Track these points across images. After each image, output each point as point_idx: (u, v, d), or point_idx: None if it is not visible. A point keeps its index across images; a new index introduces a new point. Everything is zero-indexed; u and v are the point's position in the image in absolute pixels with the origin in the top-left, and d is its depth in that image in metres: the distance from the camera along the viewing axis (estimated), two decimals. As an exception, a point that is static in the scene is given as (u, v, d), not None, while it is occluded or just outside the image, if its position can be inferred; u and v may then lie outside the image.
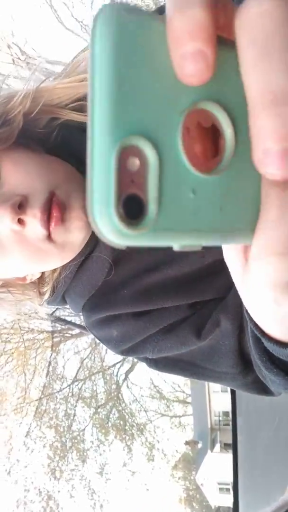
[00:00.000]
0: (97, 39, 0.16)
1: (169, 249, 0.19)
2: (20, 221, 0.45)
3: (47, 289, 0.55)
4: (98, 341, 0.59)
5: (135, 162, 0.16)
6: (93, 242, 0.52)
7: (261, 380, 0.51)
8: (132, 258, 0.53)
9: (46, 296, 0.56)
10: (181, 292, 0.53)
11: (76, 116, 0.53)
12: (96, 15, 0.16)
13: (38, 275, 0.56)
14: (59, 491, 10.95)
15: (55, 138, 0.53)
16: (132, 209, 0.16)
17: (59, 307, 0.63)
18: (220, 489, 13.11)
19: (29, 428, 9.97)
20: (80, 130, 0.54)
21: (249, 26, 0.15)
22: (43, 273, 0.56)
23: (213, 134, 0.18)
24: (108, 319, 0.55)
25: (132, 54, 0.16)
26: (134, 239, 0.16)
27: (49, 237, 0.46)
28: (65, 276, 0.53)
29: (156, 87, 0.16)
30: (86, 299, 0.55)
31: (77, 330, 8.87)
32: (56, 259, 0.50)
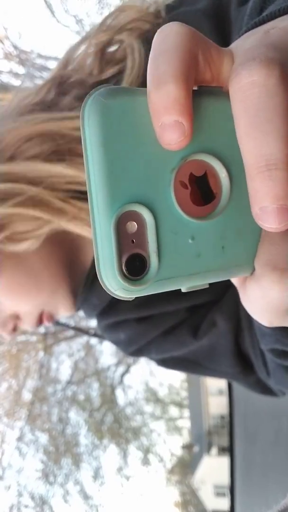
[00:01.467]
0: (86, 127, 0.18)
1: None
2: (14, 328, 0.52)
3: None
4: (112, 343, 0.64)
5: (133, 225, 0.18)
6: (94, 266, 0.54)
7: (263, 380, 0.52)
8: None
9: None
10: (181, 297, 0.54)
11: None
12: (83, 105, 0.18)
13: None
14: (53, 496, 10.83)
15: None
16: (135, 266, 0.18)
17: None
18: (217, 493, 13.04)
19: (21, 432, 9.86)
20: None
21: (242, 95, 0.17)
22: None
23: (207, 179, 0.20)
24: (115, 324, 0.58)
25: (120, 133, 0.18)
26: (140, 292, 0.19)
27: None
28: (80, 292, 0.56)
29: (145, 155, 0.18)
30: (99, 311, 0.58)
31: (70, 332, 8.80)
32: None
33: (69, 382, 9.85)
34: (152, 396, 12.67)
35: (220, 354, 0.54)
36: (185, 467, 13.71)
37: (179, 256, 0.19)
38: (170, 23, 0.18)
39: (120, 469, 12.10)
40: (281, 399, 0.54)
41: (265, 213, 0.17)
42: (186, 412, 13.76)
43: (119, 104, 0.18)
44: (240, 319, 0.52)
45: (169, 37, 0.18)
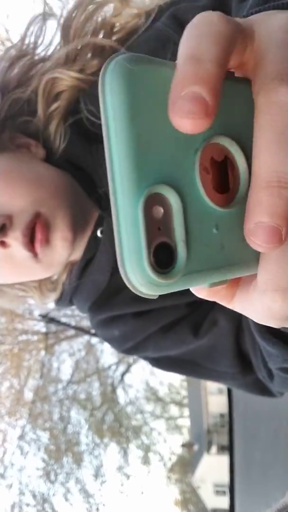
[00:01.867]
0: (108, 95, 0.16)
1: None
2: (2, 243, 0.46)
3: (54, 288, 0.56)
4: (103, 341, 0.61)
5: (159, 210, 0.16)
6: (94, 246, 0.51)
7: (262, 381, 0.52)
8: None
9: (51, 298, 0.57)
10: (182, 291, 0.52)
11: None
12: (103, 71, 0.16)
13: None
14: (54, 494, 10.87)
15: (54, 141, 0.51)
16: (162, 258, 0.16)
17: (66, 308, 0.63)
18: (216, 491, 13.08)
19: (23, 431, 9.89)
20: (87, 137, 0.51)
21: (271, 110, 0.17)
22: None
23: (226, 167, 0.18)
24: (110, 320, 0.56)
25: (144, 105, 0.16)
26: (167, 287, 0.16)
27: (34, 257, 0.46)
28: (71, 280, 0.54)
29: (169, 132, 0.16)
30: (92, 301, 0.56)
31: (71, 332, 8.82)
32: (42, 275, 0.51)
33: (70, 381, 9.88)
34: (153, 395, 12.71)
35: (220, 354, 0.53)
36: (185, 465, 13.76)
37: (205, 248, 0.17)
38: (214, 12, 0.17)
39: (120, 468, 12.14)
40: (280, 398, 0.55)
41: (259, 229, 0.17)
42: (186, 411, 13.80)
43: (145, 71, 0.16)
44: (241, 319, 0.52)
45: (215, 23, 0.17)
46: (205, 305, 0.54)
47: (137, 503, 13.32)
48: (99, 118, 0.51)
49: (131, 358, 10.99)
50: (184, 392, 13.56)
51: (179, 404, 13.70)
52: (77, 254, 0.52)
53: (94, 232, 0.51)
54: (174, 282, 0.16)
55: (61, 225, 0.47)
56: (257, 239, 0.17)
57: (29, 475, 10.55)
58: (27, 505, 10.55)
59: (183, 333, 0.53)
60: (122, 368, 10.90)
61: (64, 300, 0.57)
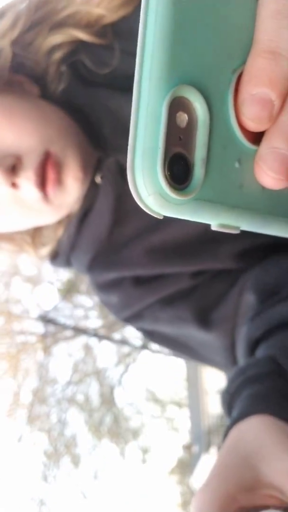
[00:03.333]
0: None
1: None
2: (13, 184, 0.45)
3: (46, 245, 0.55)
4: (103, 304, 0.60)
5: (184, 118, 0.15)
6: (93, 194, 0.50)
7: None
8: (134, 218, 0.52)
9: (47, 250, 0.55)
10: (182, 257, 0.51)
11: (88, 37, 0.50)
12: None
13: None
14: (51, 497, 10.83)
15: (52, 82, 0.50)
16: (177, 171, 0.15)
17: (64, 268, 0.61)
18: (216, 492, 13.08)
19: (21, 433, 9.86)
20: (84, 81, 0.50)
21: None
22: (40, 227, 0.54)
23: None
24: (109, 284, 0.55)
25: (194, 1, 0.15)
26: (176, 207, 0.15)
27: (45, 198, 0.45)
28: (69, 233, 0.53)
29: (212, 40, 0.16)
30: (91, 256, 0.54)
31: (70, 333, 8.79)
32: (51, 218, 0.51)
33: (68, 383, 9.84)
34: (151, 396, 12.67)
35: (214, 347, 0.52)
36: (185, 467, 13.71)
37: (223, 179, 0.16)
38: None
39: (119, 469, 12.09)
40: None
41: (252, 99, 0.16)
42: (186, 412, 13.77)
43: None
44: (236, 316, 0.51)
45: None
46: (213, 284, 0.53)
47: (136, 505, 13.26)
48: (96, 65, 0.49)
49: (130, 359, 10.96)
50: (183, 393, 13.52)
51: (178, 404, 13.66)
52: (74, 205, 0.51)
53: (93, 178, 0.50)
54: (185, 202, 0.15)
55: (72, 165, 0.47)
56: (246, 110, 0.16)
57: (27, 476, 10.51)
58: (25, 506, 10.50)
59: (183, 311, 0.52)
60: (121, 368, 10.86)
61: (61, 258, 0.55)
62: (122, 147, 0.47)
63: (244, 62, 0.16)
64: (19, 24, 0.46)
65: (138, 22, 0.47)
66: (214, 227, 0.17)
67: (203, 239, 0.51)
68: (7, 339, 8.32)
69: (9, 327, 8.20)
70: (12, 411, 9.21)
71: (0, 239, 0.55)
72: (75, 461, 10.87)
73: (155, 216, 0.15)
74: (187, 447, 13.35)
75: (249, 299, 0.50)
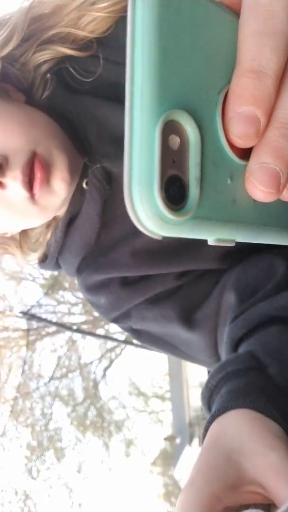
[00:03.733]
0: (139, 1, 0.15)
1: None
2: (0, 184, 0.44)
3: (36, 247, 0.55)
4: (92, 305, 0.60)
5: (176, 140, 0.15)
6: (79, 200, 0.51)
7: None
8: (120, 221, 0.53)
9: (34, 256, 0.56)
10: (167, 258, 0.53)
11: (72, 52, 0.51)
12: None
13: (19, 230, 0.55)
14: (36, 491, 10.84)
15: (37, 89, 0.51)
16: (172, 193, 0.15)
17: (53, 271, 0.62)
18: (198, 483, 13.24)
19: (4, 428, 9.82)
20: (68, 88, 0.52)
21: (257, 4, 0.17)
22: (26, 230, 0.55)
23: None
24: (98, 286, 0.56)
25: (177, 23, 0.15)
26: (174, 227, 0.15)
27: (32, 198, 0.45)
28: (56, 237, 0.53)
29: (197, 63, 0.16)
30: (80, 259, 0.55)
31: (53, 328, 8.78)
32: (37, 220, 0.50)
33: (52, 378, 9.84)
34: (135, 390, 12.75)
35: (198, 346, 0.53)
36: (168, 458, 13.87)
37: (217, 195, 0.16)
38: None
39: (103, 462, 12.16)
40: None
41: (238, 117, 0.17)
42: (168, 405, 13.89)
43: None
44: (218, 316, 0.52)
45: (276, 20, 0.16)
46: (197, 284, 0.54)
47: (120, 497, 13.37)
48: (81, 73, 0.51)
49: (112, 354, 10.99)
50: (166, 386, 13.64)
51: (161, 398, 13.78)
52: (62, 210, 0.51)
53: (79, 184, 0.51)
54: (183, 222, 0.15)
55: (59, 165, 0.46)
56: (233, 128, 0.17)
57: (11, 471, 10.49)
58: (9, 502, 10.50)
59: (167, 310, 0.53)
60: (104, 363, 10.90)
61: (50, 261, 0.56)
62: (107, 153, 0.49)
63: (229, 82, 0.17)
64: (13, 41, 0.47)
65: (121, 31, 0.51)
66: (210, 242, 0.17)
67: (187, 241, 0.52)
68: (-10, 335, 8.27)
69: (-8, 323, 8.14)
70: (-5, 407, 9.16)
71: None
72: (59, 455, 10.90)
73: (154, 237, 0.15)
74: (170, 439, 13.51)
75: (230, 298, 0.51)
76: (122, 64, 0.50)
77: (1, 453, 10.00)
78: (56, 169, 0.46)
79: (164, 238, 0.16)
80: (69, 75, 0.52)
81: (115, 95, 0.51)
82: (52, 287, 7.98)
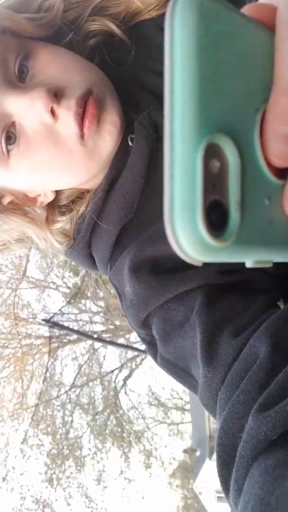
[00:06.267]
0: (176, 26, 0.14)
1: None
2: (52, 113, 0.42)
3: (63, 228, 0.51)
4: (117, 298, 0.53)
5: (216, 165, 0.15)
6: (123, 158, 0.48)
7: None
8: (154, 199, 0.49)
9: (60, 238, 0.51)
10: (193, 276, 0.46)
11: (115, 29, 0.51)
12: (173, 4, 0.15)
13: (51, 197, 0.52)
14: (56, 500, 10.85)
15: (91, 52, 0.52)
16: (214, 218, 0.14)
17: (79, 259, 0.55)
18: (218, 497, 13.01)
19: (25, 435, 9.90)
20: (111, 62, 0.52)
21: None
22: (56, 198, 0.52)
23: None
24: (130, 271, 0.48)
25: (213, 44, 0.15)
26: (216, 253, 0.15)
27: (81, 137, 0.44)
28: (94, 202, 0.49)
29: (234, 83, 0.15)
30: (120, 229, 0.49)
31: (74, 336, 8.85)
32: (81, 168, 0.47)
33: (72, 386, 9.89)
34: (155, 400, 12.70)
35: (190, 356, 0.44)
36: (187, 471, 13.71)
37: (257, 218, 0.16)
38: None
39: (122, 473, 12.11)
40: None
41: (278, 137, 0.16)
42: (188, 417, 13.76)
43: (218, 10, 0.15)
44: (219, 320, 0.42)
45: None
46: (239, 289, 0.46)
47: (139, 508, 13.27)
48: (113, 60, 0.52)
49: (133, 363, 10.99)
50: (186, 397, 13.53)
51: (181, 409, 13.67)
52: (98, 179, 0.49)
53: (124, 141, 0.49)
54: (224, 248, 0.15)
55: (110, 108, 0.45)
56: (276, 146, 0.16)
57: (31, 479, 10.55)
58: (29, 509, 10.54)
59: (194, 299, 0.45)
60: (125, 372, 10.90)
61: (80, 241, 0.51)
62: (151, 106, 0.48)
63: (265, 100, 0.16)
64: None
65: (153, 29, 0.54)
66: (248, 265, 0.17)
67: None
68: (13, 342, 8.40)
69: (15, 330, 8.27)
70: (17, 413, 9.27)
71: (12, 209, 0.51)
72: (79, 463, 10.91)
73: (194, 263, 0.15)
74: (189, 452, 13.36)
75: (260, 349, 0.37)
76: (155, 60, 0.52)
77: (21, 460, 10.08)
78: (108, 111, 0.45)
79: (204, 264, 0.15)
80: (109, 54, 0.52)
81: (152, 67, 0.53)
82: (74, 296, 8.06)
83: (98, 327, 8.86)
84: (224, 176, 0.15)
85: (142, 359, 11.05)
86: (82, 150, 0.45)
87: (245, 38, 0.16)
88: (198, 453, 13.57)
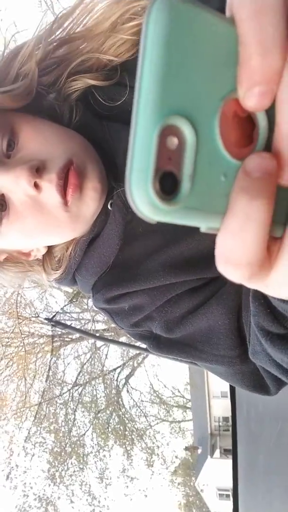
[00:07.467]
0: (151, 21, 0.17)
1: (178, 228, 0.19)
2: (36, 186, 0.45)
3: (58, 266, 0.56)
4: (109, 316, 0.59)
5: (174, 141, 0.18)
6: (103, 221, 0.52)
7: (259, 373, 0.52)
8: (141, 239, 0.54)
9: (56, 275, 0.56)
10: (190, 270, 0.53)
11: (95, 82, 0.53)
12: (150, 5, 0.17)
13: (44, 251, 0.56)
14: (59, 497, 10.89)
15: (70, 117, 0.54)
16: (167, 185, 0.17)
17: (68, 287, 0.62)
18: (220, 495, 13.05)
19: (28, 433, 9.94)
20: (95, 114, 0.55)
21: None
22: (49, 249, 0.56)
23: (248, 124, 0.20)
24: (119, 296, 0.56)
25: (183, 39, 0.17)
26: (165, 214, 0.18)
27: (65, 205, 0.46)
28: (75, 254, 0.54)
29: (200, 72, 0.18)
30: (97, 278, 0.56)
31: (77, 335, 8.88)
32: (67, 230, 0.50)
33: (75, 384, 9.92)
34: (157, 399, 12.73)
35: (221, 335, 0.53)
36: (189, 469, 13.76)
37: (209, 190, 0.19)
38: None
39: (124, 471, 12.15)
40: (284, 403, 0.52)
41: (252, 95, 0.18)
42: (190, 415, 13.80)
43: (190, 10, 0.18)
44: (240, 298, 0.52)
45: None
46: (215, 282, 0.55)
47: (141, 506, 13.32)
48: (106, 101, 0.54)
49: (135, 362, 11.02)
50: (187, 396, 13.57)
51: (183, 407, 13.71)
52: (83, 230, 0.53)
53: (105, 205, 0.52)
54: (172, 211, 0.18)
55: (92, 176, 0.48)
56: (249, 102, 0.18)
57: (34, 477, 10.60)
58: (31, 507, 10.59)
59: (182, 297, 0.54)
60: (127, 371, 10.94)
61: (66, 277, 0.58)
62: None
63: (231, 90, 0.19)
64: (41, 49, 0.51)
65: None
66: (203, 230, 0.20)
67: (210, 253, 0.49)
68: (16, 341, 8.43)
69: (18, 329, 8.30)
70: (20, 411, 9.30)
71: (6, 262, 0.56)
72: (82, 461, 10.94)
73: (149, 221, 0.18)
74: (191, 449, 13.39)
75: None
76: None
77: (24, 458, 10.12)
78: (89, 179, 0.48)
79: (159, 222, 0.18)
80: (95, 102, 0.54)
81: None
82: (76, 295, 8.09)
83: (100, 326, 8.89)
84: (181, 152, 0.18)
85: (144, 358, 11.08)
86: (67, 216, 0.48)
87: (214, 33, 0.18)
88: (199, 451, 13.60)
